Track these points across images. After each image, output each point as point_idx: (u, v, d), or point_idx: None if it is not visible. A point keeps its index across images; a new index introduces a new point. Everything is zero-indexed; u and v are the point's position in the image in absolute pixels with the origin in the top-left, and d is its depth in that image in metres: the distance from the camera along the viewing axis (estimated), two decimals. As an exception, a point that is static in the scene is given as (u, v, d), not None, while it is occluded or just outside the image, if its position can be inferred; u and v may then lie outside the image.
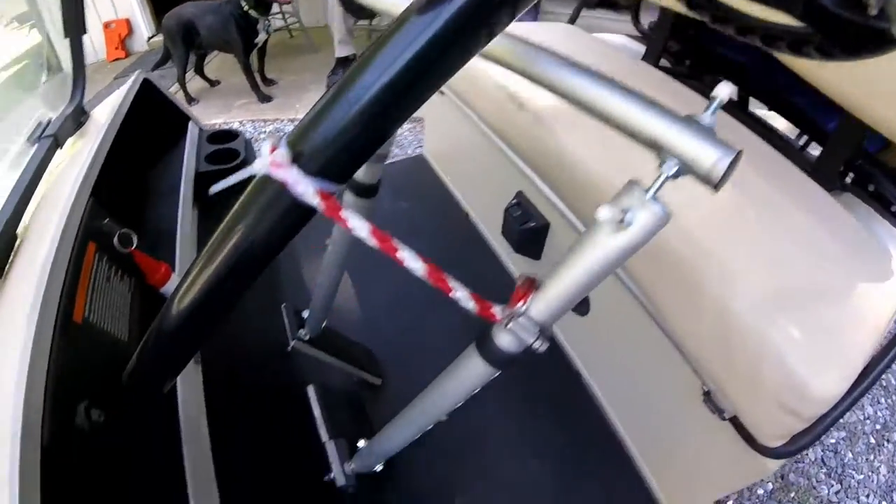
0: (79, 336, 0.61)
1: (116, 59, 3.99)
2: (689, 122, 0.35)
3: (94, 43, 3.99)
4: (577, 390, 1.17)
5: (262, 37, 2.71)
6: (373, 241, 0.41)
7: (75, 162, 0.86)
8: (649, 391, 0.98)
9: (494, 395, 1.14)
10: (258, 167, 0.38)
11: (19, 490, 0.44)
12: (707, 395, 0.77)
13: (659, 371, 0.92)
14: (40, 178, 0.83)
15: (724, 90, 0.35)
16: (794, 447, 0.67)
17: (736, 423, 0.73)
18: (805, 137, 1.31)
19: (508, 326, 0.43)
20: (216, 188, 0.40)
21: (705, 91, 1.30)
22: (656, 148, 0.36)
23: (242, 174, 0.39)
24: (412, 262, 0.42)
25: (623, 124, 0.37)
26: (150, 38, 4.07)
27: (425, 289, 1.25)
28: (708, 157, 0.33)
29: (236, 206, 0.42)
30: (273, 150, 0.36)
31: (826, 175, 0.95)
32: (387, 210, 1.63)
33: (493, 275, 1.42)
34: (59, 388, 0.54)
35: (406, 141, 2.60)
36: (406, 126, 2.69)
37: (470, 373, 0.51)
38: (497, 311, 0.45)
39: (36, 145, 0.87)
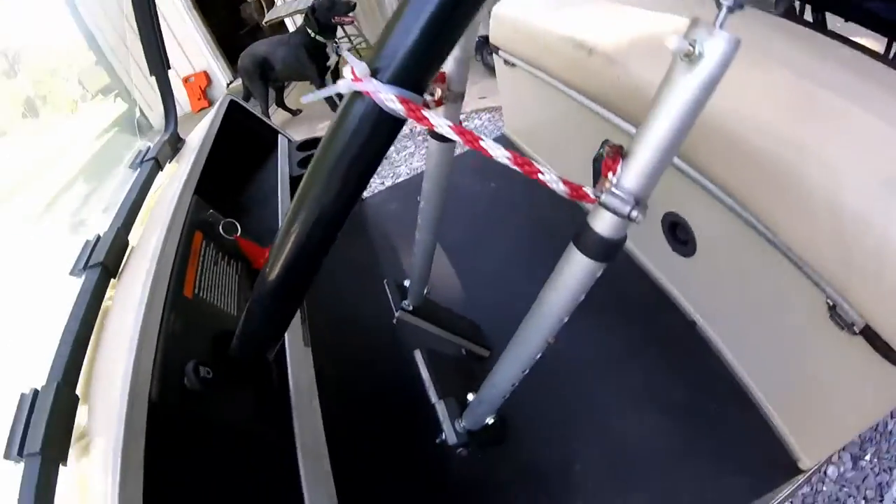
0: (188, 309, 0.66)
1: (202, 109, 4.49)
2: None
3: (178, 98, 4.51)
4: (692, 339, 1.07)
5: (332, 59, 2.87)
6: (455, 136, 0.41)
7: (176, 176, 0.95)
8: (769, 323, 0.88)
9: (604, 350, 1.11)
10: (342, 85, 0.40)
11: (123, 439, 0.48)
12: (833, 310, 0.69)
13: (777, 297, 0.83)
14: (145, 194, 0.93)
15: None
16: None
17: (869, 334, 0.65)
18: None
19: (602, 200, 0.40)
20: (307, 98, 0.44)
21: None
22: None
23: (329, 90, 0.42)
24: (496, 150, 0.41)
25: None
26: (229, 84, 4.53)
27: (523, 258, 1.21)
28: None
29: (327, 134, 0.44)
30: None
31: None
32: (477, 191, 1.62)
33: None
34: (169, 350, 0.59)
35: (486, 130, 2.59)
36: (485, 116, 2.69)
37: (572, 273, 0.48)
38: (589, 191, 0.42)
39: (138, 169, 0.98)
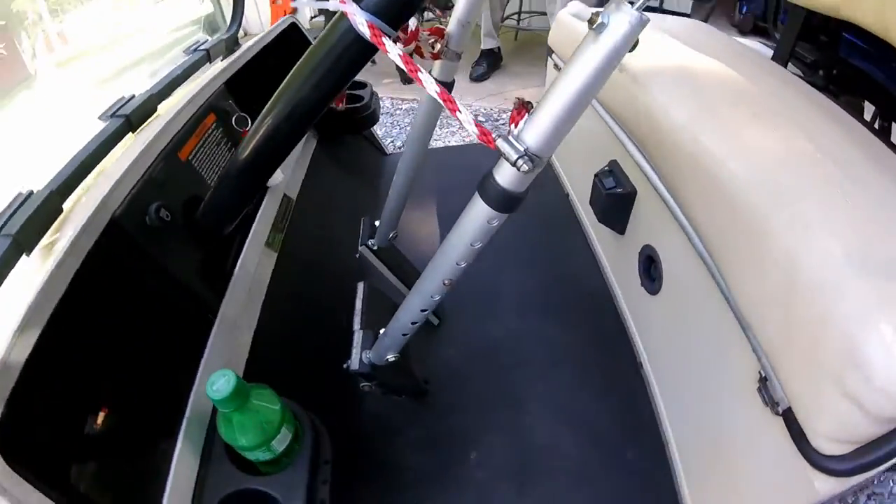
0: (177, 168, 0.76)
1: (278, 31, 4.64)
2: None
3: (262, 16, 4.66)
4: (634, 378, 1.09)
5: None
6: (401, 64, 0.47)
7: (217, 69, 1.04)
8: (703, 381, 0.89)
9: (549, 359, 1.15)
10: (331, 3, 0.47)
11: (72, 241, 0.57)
12: (763, 382, 0.67)
13: (716, 355, 0.83)
14: (187, 77, 1.01)
15: None
16: (855, 462, 0.54)
17: (789, 418, 0.61)
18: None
19: (497, 144, 0.45)
20: (297, 3, 0.53)
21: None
22: None
23: (321, 4, 0.49)
24: (429, 83, 0.47)
25: None
26: (312, 18, 4.66)
27: (500, 250, 1.25)
28: None
29: (314, 43, 0.52)
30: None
31: None
32: (474, 174, 1.68)
33: (578, 249, 1.40)
34: (145, 190, 0.67)
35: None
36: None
37: (471, 218, 0.53)
38: (493, 137, 0.46)
39: (189, 55, 1.07)
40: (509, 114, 0.42)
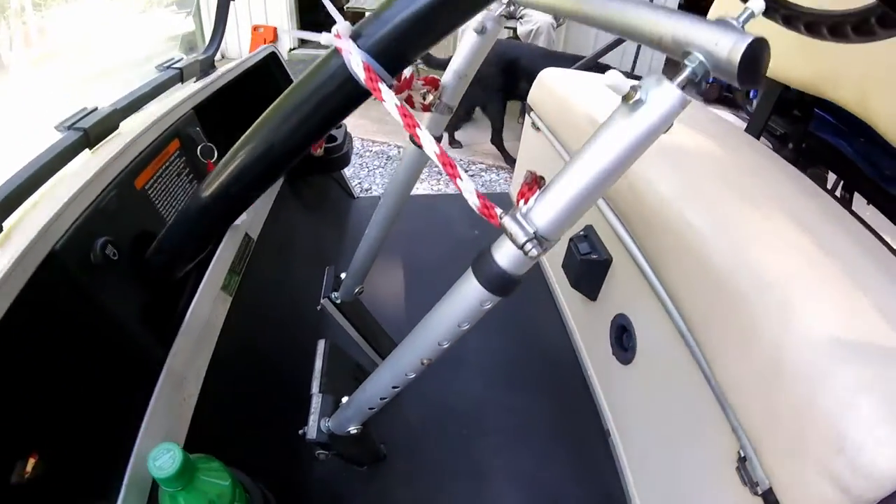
0: (131, 198, 0.69)
1: (256, 61, 4.67)
2: (708, 22, 0.34)
3: (241, 42, 4.67)
4: (601, 447, 1.08)
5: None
6: (398, 117, 0.45)
7: (189, 91, 0.99)
8: (676, 457, 0.87)
9: (513, 423, 1.12)
10: (324, 37, 0.44)
11: (6, 272, 0.50)
12: (742, 462, 0.67)
13: (691, 432, 0.83)
14: (156, 95, 0.96)
15: (758, 4, 0.34)
16: None
17: (768, 499, 0.62)
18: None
19: (503, 222, 0.41)
20: (300, 33, 0.50)
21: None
22: (682, 47, 0.35)
23: (311, 35, 0.47)
24: (428, 143, 0.44)
25: (650, 32, 0.37)
26: (291, 50, 4.71)
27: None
28: (726, 41, 0.32)
29: (299, 77, 0.48)
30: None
31: None
32: (459, 237, 1.67)
33: (546, 313, 1.40)
34: (93, 221, 0.61)
35: (493, 181, 2.68)
36: (497, 173, 2.79)
37: (462, 297, 0.48)
38: (498, 212, 0.43)
39: (161, 72, 1.02)
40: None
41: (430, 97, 0.73)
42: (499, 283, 0.44)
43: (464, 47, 0.73)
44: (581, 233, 1.17)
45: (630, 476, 1.01)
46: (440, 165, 0.44)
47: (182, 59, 1.14)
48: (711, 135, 1.10)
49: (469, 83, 0.76)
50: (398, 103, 0.43)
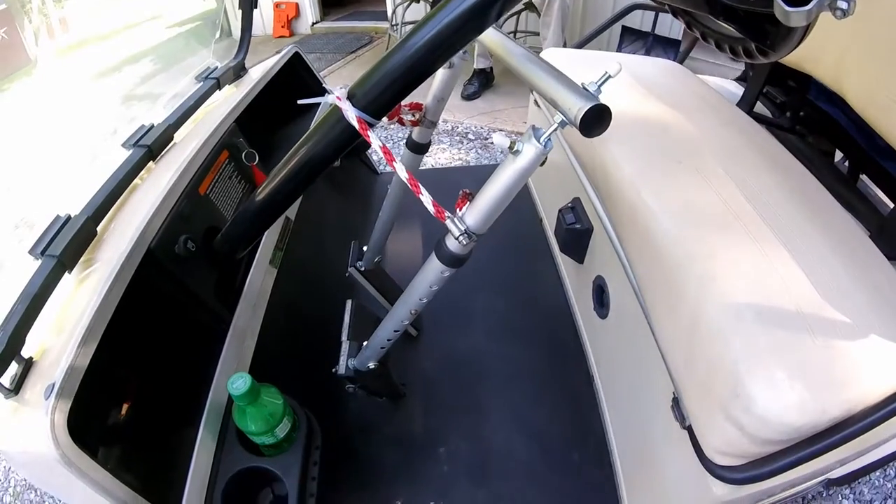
0: (198, 201, 0.94)
1: (281, 37, 4.86)
2: (576, 86, 0.55)
3: (264, 18, 4.87)
4: (587, 391, 1.29)
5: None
6: (379, 152, 0.66)
7: (228, 101, 1.23)
8: (637, 398, 1.06)
9: (512, 372, 1.34)
10: (329, 98, 0.66)
11: (119, 268, 0.74)
12: (675, 402, 0.82)
13: (645, 377, 1.00)
14: (199, 106, 1.20)
15: (614, 67, 0.54)
16: (744, 474, 0.66)
17: (691, 432, 0.76)
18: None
19: (446, 223, 0.65)
20: (302, 102, 0.70)
21: (799, 144, 1.36)
22: (557, 105, 0.56)
23: (319, 99, 0.68)
24: (401, 170, 0.66)
25: (542, 90, 0.59)
26: (314, 24, 4.86)
27: (478, 273, 1.47)
28: (575, 105, 0.53)
29: (312, 127, 0.71)
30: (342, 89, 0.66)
31: (889, 240, 0.95)
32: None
33: (546, 273, 1.61)
34: (174, 223, 0.86)
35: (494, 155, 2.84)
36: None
37: (429, 269, 0.73)
38: (446, 215, 0.66)
39: (201, 83, 1.26)
40: (497, 133, 0.60)
41: (418, 115, 0.94)
42: (450, 260, 0.69)
43: (438, 79, 0.95)
44: (569, 204, 1.35)
45: (608, 414, 1.21)
46: (410, 186, 0.66)
47: (216, 67, 1.37)
48: (696, 113, 1.20)
49: (445, 104, 0.98)
50: (381, 144, 0.65)
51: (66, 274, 0.77)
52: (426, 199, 0.66)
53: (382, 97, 0.66)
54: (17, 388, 0.65)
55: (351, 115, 0.64)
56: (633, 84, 1.37)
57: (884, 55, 0.95)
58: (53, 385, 0.62)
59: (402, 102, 0.87)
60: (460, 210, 0.66)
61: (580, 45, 2.05)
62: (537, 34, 3.33)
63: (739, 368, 0.65)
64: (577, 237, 1.30)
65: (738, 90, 1.53)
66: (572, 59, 1.59)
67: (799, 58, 1.19)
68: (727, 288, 0.74)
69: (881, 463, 0.89)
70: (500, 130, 3.00)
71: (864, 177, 1.27)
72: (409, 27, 3.99)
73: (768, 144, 1.13)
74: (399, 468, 1.14)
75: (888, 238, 0.96)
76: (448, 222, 0.65)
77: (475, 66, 3.26)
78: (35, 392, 0.63)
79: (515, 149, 0.58)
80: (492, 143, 2.87)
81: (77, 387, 0.64)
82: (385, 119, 0.75)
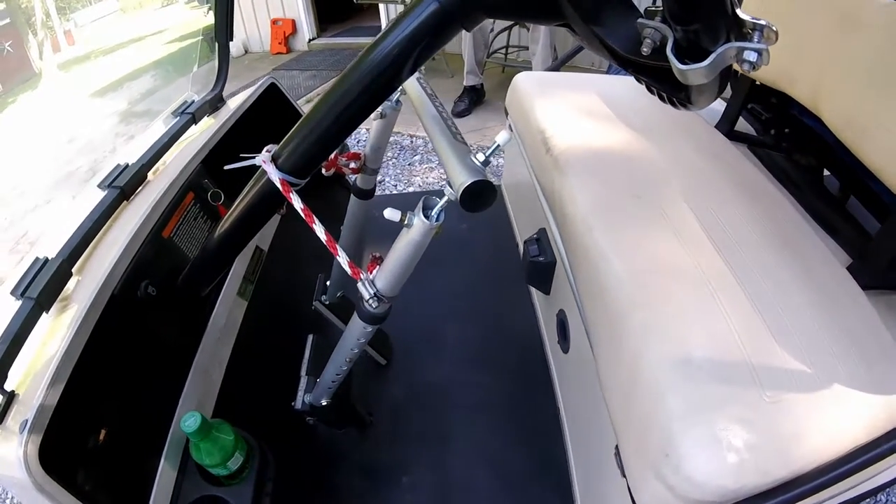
0: (162, 245, 1.03)
1: (278, 53, 5.03)
2: (466, 158, 0.61)
3: (262, 35, 5.03)
4: (552, 423, 1.33)
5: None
6: (301, 213, 0.72)
7: (202, 136, 1.31)
8: (591, 434, 1.09)
9: (481, 413, 1.37)
10: (257, 159, 0.73)
11: (87, 310, 0.83)
12: (617, 451, 0.79)
13: (597, 417, 1.00)
14: (174, 142, 1.29)
15: (503, 137, 0.60)
16: None
17: (628, 486, 0.75)
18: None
19: (358, 285, 0.72)
20: (229, 167, 0.76)
21: (783, 163, 1.35)
22: (452, 184, 0.62)
23: (248, 162, 0.74)
24: (319, 230, 0.73)
25: (440, 156, 0.66)
26: (310, 40, 5.01)
27: (453, 300, 1.58)
28: (458, 179, 0.59)
29: (250, 181, 0.79)
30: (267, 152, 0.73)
31: (871, 267, 0.93)
32: (447, 227, 1.94)
33: (519, 302, 1.65)
34: (138, 268, 0.94)
35: (501, 166, 2.90)
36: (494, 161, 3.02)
37: (354, 326, 0.81)
38: (361, 276, 0.72)
39: (177, 118, 1.35)
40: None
41: (358, 164, 1.02)
42: (369, 319, 0.77)
43: (374, 130, 1.03)
44: (534, 235, 1.40)
45: (570, 449, 1.25)
46: (328, 247, 0.73)
47: (193, 101, 1.46)
48: (668, 139, 1.22)
49: (385, 152, 1.05)
50: (302, 206, 0.72)
51: (45, 313, 0.85)
52: (342, 260, 0.72)
53: (304, 158, 0.71)
54: (0, 418, 0.74)
55: (275, 177, 0.70)
56: (601, 109, 1.40)
57: (861, 78, 0.95)
58: (27, 421, 0.71)
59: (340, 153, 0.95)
60: (371, 273, 0.72)
61: (560, 65, 2.09)
62: (527, 48, 3.42)
63: (673, 426, 0.64)
64: (541, 269, 1.34)
65: (721, 107, 1.51)
66: (543, 82, 1.63)
67: (775, 76, 1.20)
68: (669, 339, 0.73)
69: None
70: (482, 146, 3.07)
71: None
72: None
73: (743, 169, 1.14)
74: (360, 497, 1.21)
75: (869, 266, 0.94)
76: (359, 285, 0.72)
77: (465, 84, 3.35)
78: (15, 423, 0.72)
79: (406, 223, 0.64)
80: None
81: (47, 422, 0.73)
82: (323, 170, 0.83)
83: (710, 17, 0.40)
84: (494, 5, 0.59)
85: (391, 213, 0.63)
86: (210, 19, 1.42)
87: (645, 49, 0.46)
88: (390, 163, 2.97)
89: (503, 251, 1.85)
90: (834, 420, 0.63)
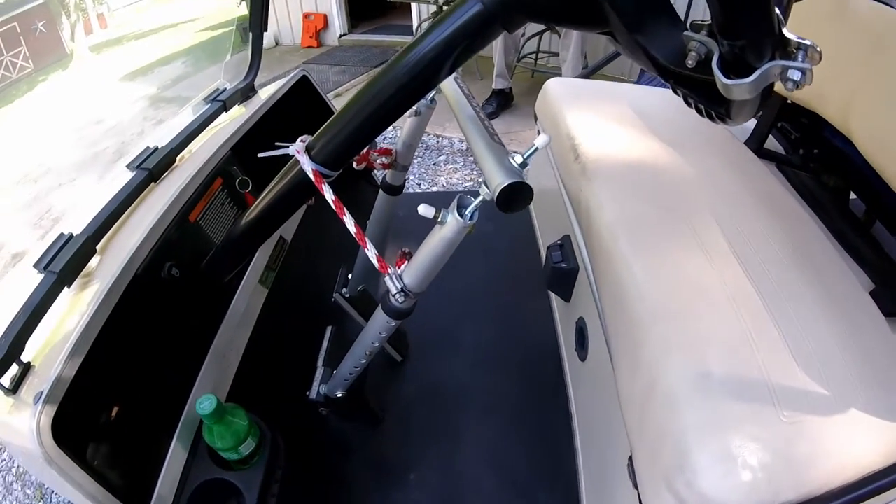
0: (188, 229, 1.04)
1: (308, 47, 5.09)
2: (503, 159, 0.61)
3: (293, 28, 5.09)
4: (564, 428, 1.32)
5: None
6: (332, 205, 0.73)
7: (229, 126, 1.32)
8: (605, 444, 1.07)
9: (493, 416, 1.38)
10: (290, 149, 0.73)
11: (110, 287, 0.84)
12: (630, 461, 0.79)
13: (612, 426, 1.00)
14: (204, 128, 1.30)
15: (542, 140, 0.60)
16: None
17: (639, 497, 0.75)
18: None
19: (385, 279, 0.72)
20: (263, 154, 0.77)
21: (811, 183, 1.32)
22: (486, 178, 0.62)
23: (282, 150, 0.75)
24: (349, 222, 0.73)
25: (476, 156, 0.66)
26: (341, 36, 5.05)
27: (471, 300, 1.55)
28: (495, 180, 0.58)
29: (282, 170, 0.79)
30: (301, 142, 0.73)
31: (894, 294, 0.92)
32: (478, 228, 1.94)
33: (538, 307, 1.64)
34: (162, 250, 0.96)
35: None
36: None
37: (376, 320, 0.82)
38: (389, 270, 0.72)
39: (208, 105, 1.37)
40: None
41: (389, 159, 1.03)
42: (393, 314, 0.77)
43: (407, 126, 1.04)
44: (558, 241, 1.40)
45: (581, 457, 1.24)
46: (358, 241, 0.73)
47: (225, 89, 1.48)
48: (697, 152, 1.20)
49: (416, 149, 1.06)
50: (333, 197, 0.72)
51: (66, 288, 0.87)
52: (371, 253, 0.72)
53: (339, 150, 0.72)
54: (15, 388, 0.75)
55: (308, 167, 0.71)
56: (632, 119, 1.39)
57: (895, 100, 0.94)
58: (42, 393, 0.72)
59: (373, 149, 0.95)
60: (398, 268, 0.72)
61: (591, 73, 2.09)
62: (558, 55, 3.41)
63: (688, 439, 0.64)
64: (562, 276, 1.34)
65: (751, 124, 1.50)
66: (575, 89, 1.62)
67: (807, 95, 1.19)
68: (690, 353, 0.72)
69: None
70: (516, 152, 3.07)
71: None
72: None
73: (771, 187, 1.12)
74: (365, 491, 1.21)
75: (893, 292, 0.93)
76: (387, 279, 0.72)
77: (494, 87, 3.35)
78: (30, 394, 0.73)
79: (440, 220, 0.64)
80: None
81: (62, 396, 0.74)
82: (354, 164, 0.84)
83: (758, 34, 0.41)
84: (538, 9, 0.58)
85: (425, 210, 0.63)
86: (244, 9, 1.44)
87: (690, 61, 0.46)
88: (415, 161, 2.98)
89: (524, 254, 1.84)
90: (849, 445, 0.62)
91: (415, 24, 4.56)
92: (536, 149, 0.60)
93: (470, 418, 1.37)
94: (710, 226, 0.95)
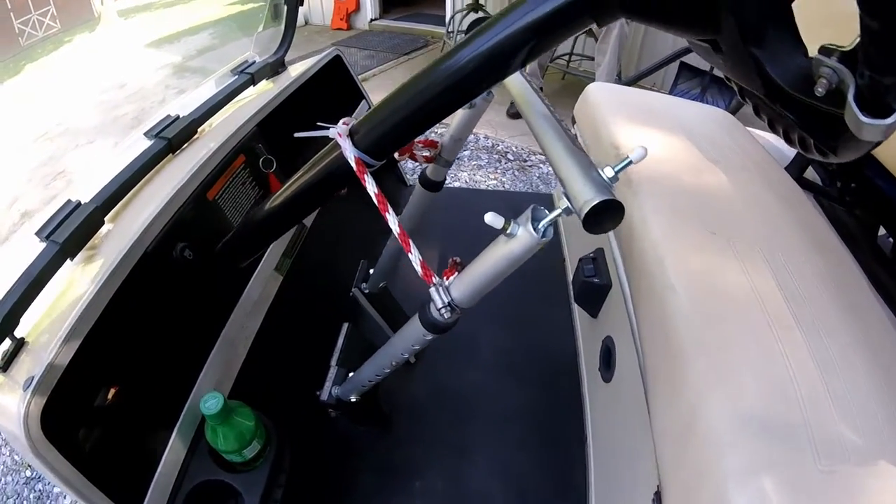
0: (205, 207, 0.96)
1: (338, 29, 5.00)
2: (590, 171, 0.53)
3: (324, 8, 5.01)
4: (577, 449, 1.27)
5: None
6: (375, 200, 0.66)
7: (257, 101, 1.25)
8: (624, 472, 1.03)
9: (505, 427, 1.31)
10: (331, 132, 0.66)
11: (117, 264, 0.77)
12: (657, 496, 0.77)
13: (636, 455, 0.96)
14: (230, 101, 1.23)
15: (638, 153, 0.52)
16: None
17: None
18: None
19: (430, 290, 0.63)
20: (300, 134, 0.69)
21: (844, 217, 1.30)
22: (565, 187, 0.54)
23: (322, 132, 0.67)
24: (392, 220, 0.65)
25: (553, 164, 0.57)
26: (371, 20, 4.97)
27: (490, 307, 1.40)
28: (583, 195, 0.50)
29: (318, 154, 0.71)
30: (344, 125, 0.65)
31: None
32: (490, 232, 1.88)
33: (559, 319, 1.58)
34: (175, 228, 0.88)
35: (549, 174, 2.82)
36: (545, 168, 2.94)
37: (411, 329, 0.72)
38: (434, 279, 0.64)
39: (236, 77, 1.30)
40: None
41: (434, 152, 0.94)
42: (432, 327, 0.68)
43: (457, 118, 0.93)
44: (590, 254, 1.33)
45: (593, 480, 1.18)
46: (399, 241, 0.65)
47: (254, 62, 1.40)
48: (738, 174, 1.15)
49: (463, 144, 0.97)
50: (377, 191, 0.65)
51: (69, 261, 0.80)
52: (415, 258, 0.64)
53: (386, 138, 0.65)
54: (5, 365, 0.68)
55: (350, 154, 0.64)
56: (677, 133, 1.32)
57: None
58: (33, 378, 0.65)
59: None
60: (447, 279, 0.64)
61: (634, 80, 2.02)
62: (592, 59, 3.31)
63: (729, 483, 0.61)
64: (593, 291, 1.28)
65: (790, 151, 1.47)
66: (618, 96, 1.56)
67: None
68: (735, 390, 0.69)
69: None
70: (539, 156, 2.99)
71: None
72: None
73: (811, 219, 1.08)
74: (369, 497, 1.15)
75: None
76: (432, 290, 0.63)
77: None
78: (21, 374, 0.67)
79: (509, 231, 0.55)
80: (530, 165, 2.86)
81: (55, 383, 0.67)
82: (396, 155, 0.76)
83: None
84: (637, 4, 0.51)
85: (493, 219, 0.54)
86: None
87: (820, 89, 0.41)
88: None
89: (547, 263, 1.78)
90: (882, 497, 0.61)
91: (447, 14, 4.46)
92: (630, 162, 0.52)
93: (480, 428, 1.31)
94: (756, 256, 0.91)
